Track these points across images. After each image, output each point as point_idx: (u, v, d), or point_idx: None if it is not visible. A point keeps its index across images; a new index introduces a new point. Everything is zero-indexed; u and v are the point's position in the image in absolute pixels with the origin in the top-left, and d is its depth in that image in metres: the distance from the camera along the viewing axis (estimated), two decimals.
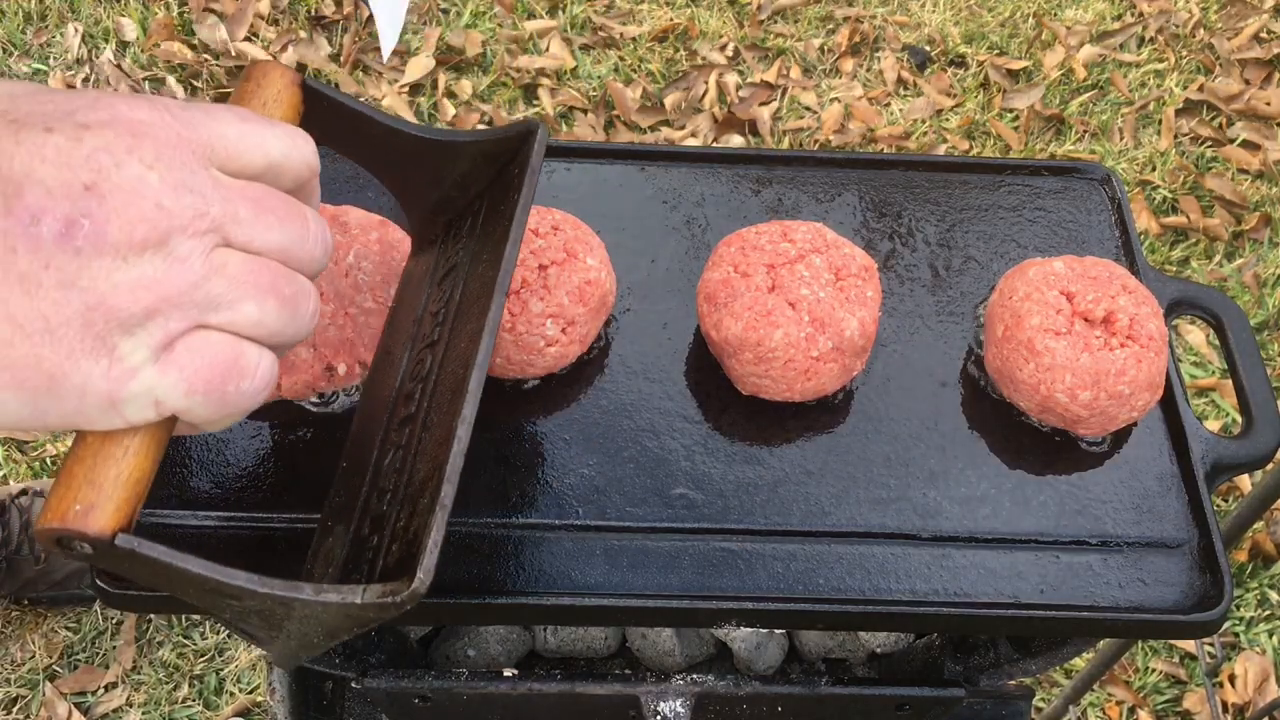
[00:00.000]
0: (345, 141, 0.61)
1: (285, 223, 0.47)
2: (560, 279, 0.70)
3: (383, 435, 0.59)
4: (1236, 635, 1.66)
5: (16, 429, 0.44)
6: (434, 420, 0.55)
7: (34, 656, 1.58)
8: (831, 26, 2.42)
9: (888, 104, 2.29)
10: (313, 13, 2.37)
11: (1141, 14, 2.45)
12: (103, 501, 0.45)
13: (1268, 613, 1.68)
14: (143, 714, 1.55)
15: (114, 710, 1.56)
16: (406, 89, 2.25)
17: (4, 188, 0.41)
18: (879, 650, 0.96)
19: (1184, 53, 2.39)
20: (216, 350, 0.45)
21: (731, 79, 2.32)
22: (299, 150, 0.49)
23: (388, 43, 0.67)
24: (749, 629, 0.91)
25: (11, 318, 0.41)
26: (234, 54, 2.29)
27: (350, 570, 0.54)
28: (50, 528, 0.45)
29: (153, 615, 1.59)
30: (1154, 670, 1.64)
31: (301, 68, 2.29)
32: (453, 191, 0.65)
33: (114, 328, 0.43)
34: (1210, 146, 2.24)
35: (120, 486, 0.45)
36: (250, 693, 1.57)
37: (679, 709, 0.79)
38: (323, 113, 0.57)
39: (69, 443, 1.72)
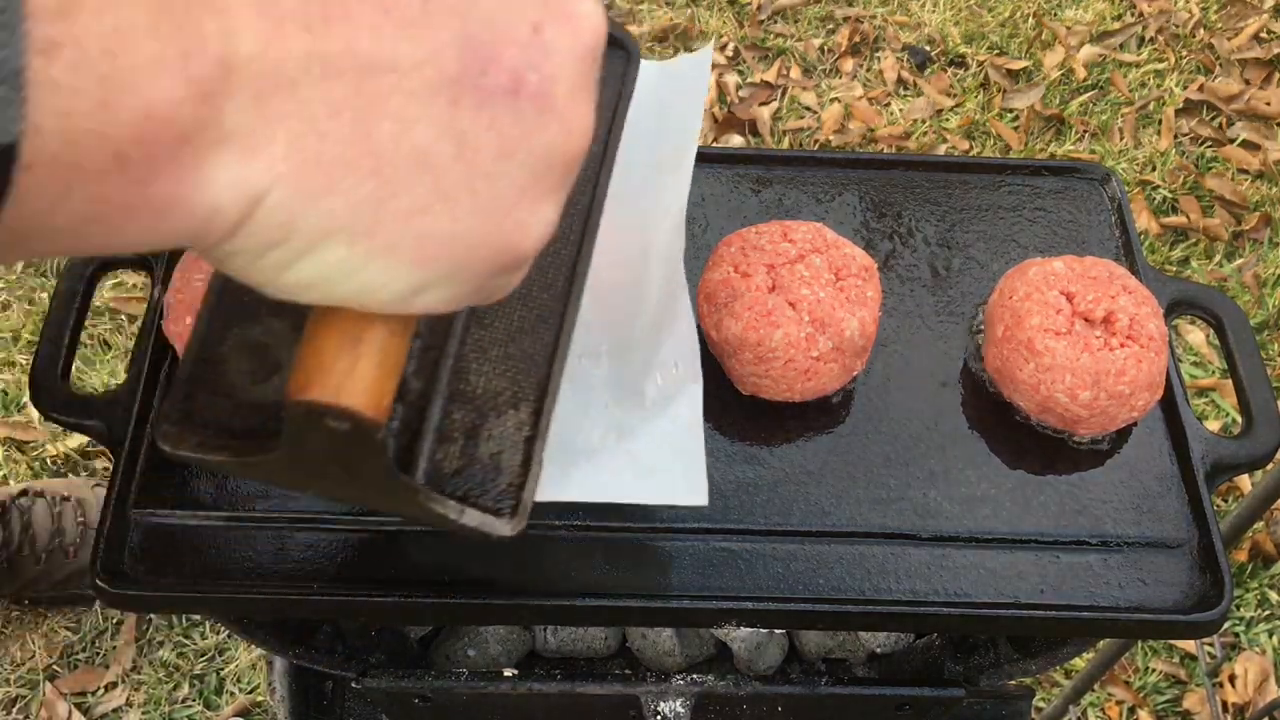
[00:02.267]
0: None
1: None
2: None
3: (465, 321, 0.53)
4: (1237, 635, 1.66)
5: (377, 306, 0.37)
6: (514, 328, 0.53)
7: (34, 656, 1.58)
8: (831, 26, 2.42)
9: (888, 104, 2.29)
10: None
11: (1141, 14, 2.45)
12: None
13: (1268, 613, 1.68)
14: (143, 714, 1.55)
15: (114, 710, 1.56)
16: None
17: (464, 22, 0.34)
18: (879, 650, 0.96)
19: (1184, 53, 2.39)
20: None
21: (731, 79, 2.32)
22: None
23: None
24: (749, 629, 0.91)
25: (437, 184, 0.34)
26: None
27: (431, 445, 0.51)
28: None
29: (153, 615, 1.59)
30: (1154, 670, 1.64)
31: None
32: None
33: (539, 200, 0.37)
34: (1210, 146, 2.24)
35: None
36: (250, 693, 1.57)
37: (679, 709, 0.79)
38: None
39: (70, 444, 1.72)
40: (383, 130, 0.33)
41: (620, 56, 0.58)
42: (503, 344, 0.53)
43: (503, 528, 0.49)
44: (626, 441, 0.64)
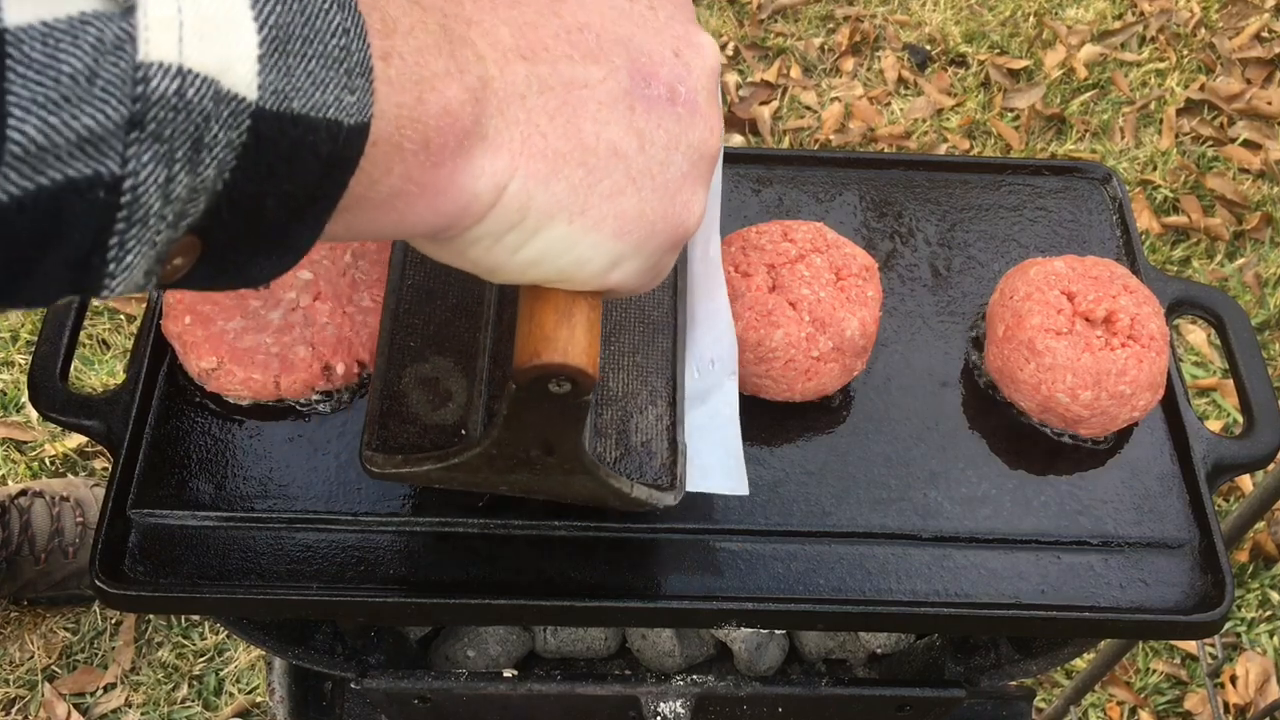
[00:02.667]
0: None
1: None
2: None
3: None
4: (1238, 636, 1.66)
5: (584, 281, 0.47)
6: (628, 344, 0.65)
7: (33, 657, 1.58)
8: (832, 26, 2.42)
9: (888, 103, 2.29)
10: None
11: (1142, 13, 2.44)
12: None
13: (1269, 613, 1.68)
14: (142, 714, 1.55)
15: (113, 711, 1.56)
16: None
17: (627, 50, 0.46)
18: (879, 651, 0.96)
19: (1185, 52, 2.39)
20: None
21: (731, 78, 2.32)
22: None
23: None
24: (749, 629, 0.91)
25: (628, 170, 0.45)
26: None
27: (596, 438, 0.62)
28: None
29: (151, 616, 1.59)
30: (1155, 671, 1.64)
31: None
32: None
33: (696, 185, 0.48)
34: (1211, 146, 2.24)
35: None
36: (250, 693, 1.57)
37: (679, 710, 0.79)
38: None
39: (69, 444, 1.72)
40: (586, 130, 0.44)
41: None
42: (630, 355, 0.64)
43: (667, 498, 0.60)
44: None
